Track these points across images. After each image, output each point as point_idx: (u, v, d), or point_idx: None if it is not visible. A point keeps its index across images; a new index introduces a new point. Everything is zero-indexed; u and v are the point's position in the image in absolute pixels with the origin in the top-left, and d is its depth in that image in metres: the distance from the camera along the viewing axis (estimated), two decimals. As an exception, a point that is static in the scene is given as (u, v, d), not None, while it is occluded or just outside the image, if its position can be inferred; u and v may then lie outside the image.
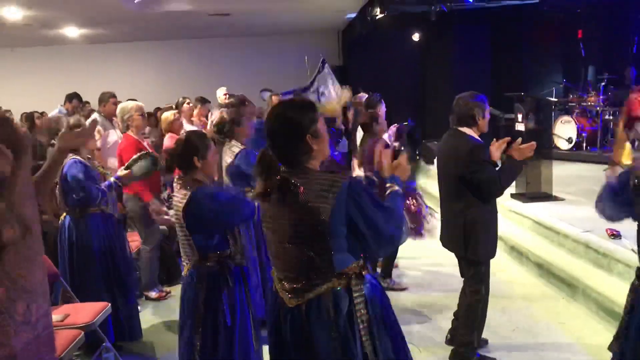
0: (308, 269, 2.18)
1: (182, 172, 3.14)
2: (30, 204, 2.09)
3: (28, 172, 2.07)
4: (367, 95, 8.78)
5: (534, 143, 3.63)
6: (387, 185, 2.43)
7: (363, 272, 2.23)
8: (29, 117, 8.72)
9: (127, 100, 7.02)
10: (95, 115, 6.37)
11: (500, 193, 3.71)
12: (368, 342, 2.17)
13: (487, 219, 3.73)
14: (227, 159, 4.34)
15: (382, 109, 5.98)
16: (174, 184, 3.20)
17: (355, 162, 5.31)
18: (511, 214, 6.67)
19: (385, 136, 5.56)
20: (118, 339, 4.21)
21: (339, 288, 2.17)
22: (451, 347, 3.93)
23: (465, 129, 3.71)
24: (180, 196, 3.03)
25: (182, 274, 3.26)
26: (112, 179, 4.36)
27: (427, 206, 4.29)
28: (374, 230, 2.15)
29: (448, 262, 4.42)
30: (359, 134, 5.91)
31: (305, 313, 2.19)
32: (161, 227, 5.69)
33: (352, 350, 2.15)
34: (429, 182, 9.21)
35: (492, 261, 3.87)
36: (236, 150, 4.32)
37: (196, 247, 3.04)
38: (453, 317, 4.10)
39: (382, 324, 2.24)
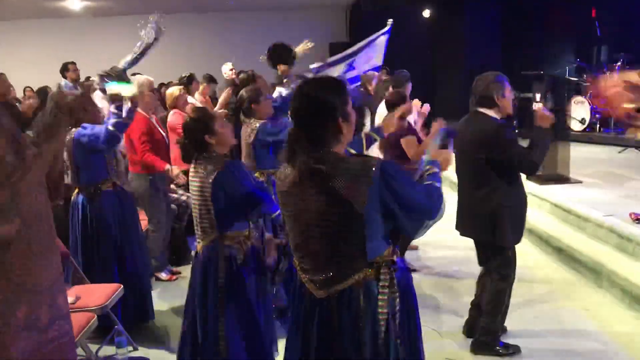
0: (337, 259, 2.05)
1: (197, 154, 3.06)
2: (36, 191, 1.88)
3: (45, 163, 1.92)
4: (375, 73, 8.60)
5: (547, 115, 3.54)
6: (427, 167, 2.29)
7: (394, 258, 2.10)
8: (42, 91, 8.51)
9: (132, 74, 6.86)
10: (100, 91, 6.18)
11: (535, 169, 3.58)
12: (396, 330, 2.06)
13: (515, 203, 3.59)
14: (248, 137, 4.22)
15: (409, 88, 5.81)
16: (190, 167, 3.09)
17: (376, 143, 5.13)
18: (528, 197, 6.49)
19: (410, 118, 5.37)
20: (129, 319, 4.09)
21: (371, 278, 2.04)
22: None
23: (485, 110, 3.56)
24: (203, 171, 2.97)
25: (196, 250, 3.18)
26: (127, 104, 3.98)
27: None
28: (411, 209, 2.03)
29: (463, 246, 4.26)
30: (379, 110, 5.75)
31: (335, 305, 2.06)
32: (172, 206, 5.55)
33: (380, 339, 2.04)
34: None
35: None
36: (255, 126, 4.20)
37: (217, 224, 2.98)
38: (470, 307, 3.97)
39: (411, 309, 2.16)
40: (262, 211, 3.09)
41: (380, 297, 2.04)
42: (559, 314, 4.30)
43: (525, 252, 5.61)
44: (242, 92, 4.47)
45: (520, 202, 3.64)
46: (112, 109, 3.93)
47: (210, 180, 2.92)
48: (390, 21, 5.16)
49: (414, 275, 4.89)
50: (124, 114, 3.92)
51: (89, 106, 3.90)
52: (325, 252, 2.05)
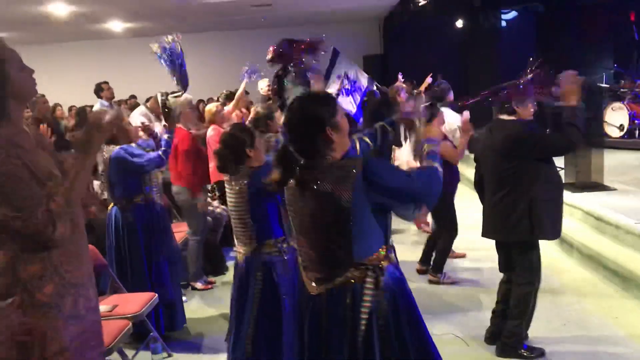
0: (328, 258, 2.20)
1: (235, 166, 3.20)
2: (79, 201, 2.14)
3: (89, 174, 2.12)
4: (404, 85, 8.66)
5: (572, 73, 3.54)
6: (424, 146, 2.40)
7: (383, 264, 2.20)
8: (81, 111, 8.91)
9: (171, 92, 7.13)
10: (142, 109, 6.49)
11: (572, 147, 3.58)
12: (381, 336, 2.15)
13: (552, 197, 3.62)
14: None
15: (450, 97, 5.83)
16: (226, 180, 3.25)
17: (405, 155, 5.21)
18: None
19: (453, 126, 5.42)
20: (158, 327, 4.25)
21: (356, 279, 2.16)
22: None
23: (505, 117, 3.67)
24: (237, 186, 3.14)
25: (236, 260, 3.34)
26: (165, 136, 4.35)
27: None
28: (399, 197, 2.16)
29: (488, 254, 4.29)
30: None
31: (324, 302, 2.21)
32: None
33: (359, 343, 2.14)
34: (468, 170, 9.05)
35: (540, 252, 3.77)
36: (272, 140, 4.35)
37: (255, 234, 3.14)
38: (492, 315, 4.00)
39: (407, 312, 2.21)
40: None
41: (364, 297, 2.15)
42: (587, 320, 4.29)
43: (555, 259, 5.59)
44: (259, 108, 4.64)
45: (556, 196, 3.68)
46: (166, 136, 4.32)
47: (247, 191, 3.10)
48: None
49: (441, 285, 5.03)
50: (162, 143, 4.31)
51: (124, 125, 4.13)
52: (318, 251, 2.22)
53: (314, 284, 2.24)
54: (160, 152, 4.26)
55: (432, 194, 2.23)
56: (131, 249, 4.24)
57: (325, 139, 2.17)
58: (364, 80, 8.06)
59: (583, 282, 5.07)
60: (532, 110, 3.68)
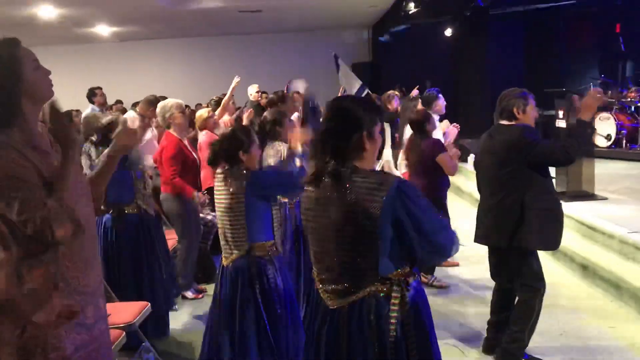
0: (351, 271, 2.10)
1: (227, 166, 3.22)
2: (85, 202, 2.07)
3: (78, 168, 2.06)
4: (397, 93, 8.67)
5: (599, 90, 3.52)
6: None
7: (409, 279, 2.14)
8: (67, 115, 8.76)
9: (160, 97, 7.06)
10: (132, 113, 6.39)
11: (569, 158, 3.53)
12: (406, 351, 2.09)
13: (546, 206, 3.59)
14: (271, 160, 4.28)
15: (440, 104, 5.88)
16: (215, 179, 3.24)
17: (401, 160, 5.20)
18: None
19: (439, 134, 5.42)
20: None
21: (381, 294, 2.09)
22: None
23: (505, 122, 3.65)
24: (231, 187, 3.13)
25: (222, 264, 3.34)
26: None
27: None
28: (423, 235, 2.05)
29: (484, 265, 4.24)
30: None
31: (346, 316, 2.12)
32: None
33: (387, 358, 2.08)
34: (461, 180, 9.07)
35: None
36: (282, 149, 4.26)
37: (247, 235, 3.14)
38: (488, 325, 3.97)
39: (422, 333, 2.16)
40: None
41: (391, 314, 2.07)
42: (584, 330, 4.28)
43: (550, 269, 5.57)
44: (266, 113, 4.57)
45: (551, 207, 3.64)
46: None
47: (244, 192, 3.09)
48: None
49: (438, 292, 4.99)
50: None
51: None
52: (341, 264, 2.12)
53: (332, 298, 2.16)
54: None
55: (448, 255, 2.16)
56: (120, 258, 4.17)
57: (359, 142, 2.09)
58: (356, 85, 8.06)
59: (578, 291, 5.07)
60: (534, 116, 3.68)
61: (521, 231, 3.54)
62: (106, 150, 2.41)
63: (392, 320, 2.07)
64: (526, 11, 11.42)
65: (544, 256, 5.63)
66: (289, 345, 3.21)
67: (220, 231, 3.32)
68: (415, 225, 2.02)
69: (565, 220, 6.13)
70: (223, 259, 3.34)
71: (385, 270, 2.08)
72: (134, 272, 4.20)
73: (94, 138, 4.31)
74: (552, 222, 3.61)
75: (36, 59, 2.05)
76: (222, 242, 3.32)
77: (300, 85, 8.01)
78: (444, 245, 2.10)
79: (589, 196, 6.80)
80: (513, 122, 3.60)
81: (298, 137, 3.52)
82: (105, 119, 4.22)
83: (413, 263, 2.16)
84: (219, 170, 3.28)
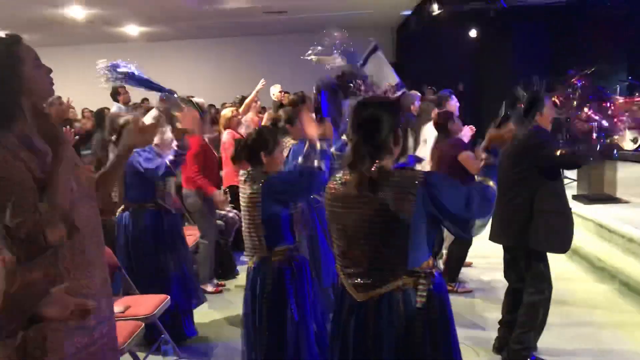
0: (380, 265, 2.17)
1: (250, 165, 3.20)
2: (87, 202, 2.05)
3: (70, 170, 2.00)
4: (415, 94, 8.70)
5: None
6: (483, 157, 2.42)
7: (433, 270, 2.21)
8: (99, 113, 8.97)
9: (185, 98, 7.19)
10: (155, 112, 6.51)
11: (574, 163, 3.63)
12: (428, 339, 2.15)
13: (555, 209, 3.62)
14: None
15: (452, 105, 5.91)
16: (240, 178, 3.25)
17: (426, 162, 5.23)
18: (573, 216, 6.44)
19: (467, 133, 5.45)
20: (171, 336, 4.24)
21: (410, 285, 2.16)
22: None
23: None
24: (249, 189, 3.09)
25: (248, 265, 3.29)
26: (174, 144, 4.24)
27: None
28: (454, 218, 2.16)
29: (499, 265, 4.25)
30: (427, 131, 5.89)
31: (373, 308, 2.18)
32: (217, 222, 5.78)
33: (418, 348, 2.14)
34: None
35: (552, 263, 3.76)
36: (289, 145, 4.32)
37: (265, 240, 3.09)
38: (499, 326, 4.00)
39: (446, 322, 2.23)
40: (318, 184, 3.09)
41: (418, 306, 2.14)
42: (598, 333, 4.27)
43: (568, 271, 5.57)
44: (281, 111, 4.64)
45: (560, 209, 3.66)
46: (174, 146, 4.22)
47: (260, 195, 3.05)
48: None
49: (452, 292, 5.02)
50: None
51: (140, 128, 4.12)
52: (369, 258, 2.18)
53: (360, 291, 2.21)
54: (167, 160, 4.18)
55: (485, 218, 2.24)
56: (139, 255, 4.23)
57: (386, 144, 2.17)
58: (390, 81, 8.03)
59: (595, 294, 5.05)
60: (550, 118, 3.69)
61: (529, 232, 3.57)
62: (115, 150, 2.35)
63: (420, 311, 2.14)
64: (551, 11, 11.30)
65: (562, 258, 5.65)
66: (311, 354, 3.15)
67: (243, 231, 3.29)
68: (444, 212, 2.13)
69: (585, 223, 6.20)
70: (247, 258, 3.31)
71: (414, 263, 2.15)
72: (154, 269, 4.25)
73: (113, 137, 4.39)
74: (560, 224, 3.62)
75: (37, 57, 2.00)
76: (245, 242, 3.28)
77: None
78: (469, 218, 2.19)
79: (611, 199, 6.75)
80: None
81: (316, 131, 3.35)
82: (122, 118, 4.29)
83: (435, 255, 2.25)
84: (242, 172, 3.27)
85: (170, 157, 4.18)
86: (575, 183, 7.43)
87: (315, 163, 3.14)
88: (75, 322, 1.91)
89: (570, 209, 3.72)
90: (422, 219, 2.11)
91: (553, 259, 3.79)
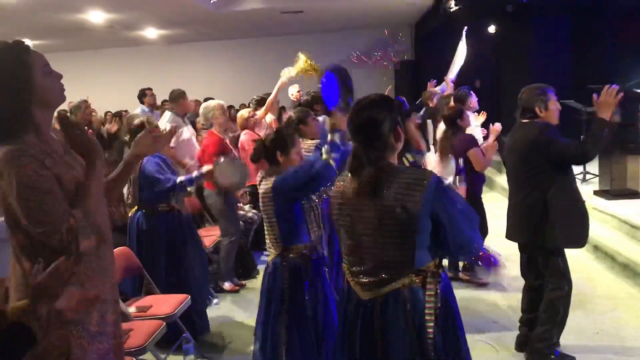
0: (388, 263, 2.18)
1: (268, 165, 3.25)
2: (103, 209, 2.08)
3: (101, 180, 2.04)
4: (438, 90, 8.67)
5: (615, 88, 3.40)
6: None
7: (440, 270, 2.22)
8: (117, 115, 9.13)
9: (205, 99, 7.27)
10: (169, 114, 6.60)
11: (584, 157, 3.51)
12: (439, 339, 2.16)
13: (568, 204, 3.56)
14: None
15: (472, 101, 5.93)
16: (257, 178, 3.29)
17: (436, 155, 5.21)
18: (595, 212, 6.37)
19: (477, 131, 5.43)
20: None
21: (416, 284, 2.16)
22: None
23: (526, 120, 3.65)
24: (263, 189, 3.15)
25: (268, 262, 3.34)
26: (195, 174, 4.37)
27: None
28: (455, 229, 2.15)
29: (517, 262, 4.22)
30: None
31: (380, 306, 2.19)
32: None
33: (425, 346, 2.15)
34: (499, 175, 9.02)
35: (574, 260, 3.73)
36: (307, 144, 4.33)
37: (281, 237, 3.14)
38: (519, 323, 3.96)
39: (452, 321, 2.24)
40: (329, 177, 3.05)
41: (427, 305, 2.15)
42: (621, 330, 4.21)
43: (590, 267, 5.51)
44: (292, 112, 4.65)
45: (575, 203, 3.61)
46: (195, 174, 4.36)
47: (272, 192, 3.10)
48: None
49: (472, 289, 5.00)
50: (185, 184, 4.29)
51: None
52: (377, 257, 2.19)
53: (365, 290, 2.23)
54: (177, 180, 4.22)
55: (476, 243, 2.24)
56: (152, 255, 4.28)
57: (387, 142, 2.20)
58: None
59: (617, 290, 4.99)
60: (556, 113, 3.64)
61: (544, 229, 3.54)
62: (125, 156, 2.35)
63: (429, 311, 2.15)
64: (573, 5, 11.15)
65: (583, 253, 5.60)
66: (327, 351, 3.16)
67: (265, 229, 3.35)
68: (450, 220, 2.13)
69: (608, 218, 6.13)
70: (269, 256, 3.35)
71: (420, 262, 2.16)
72: (167, 268, 4.30)
73: (126, 138, 4.46)
74: (575, 219, 3.58)
75: (47, 64, 1.97)
76: (266, 241, 3.34)
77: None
78: (471, 237, 2.19)
79: (634, 194, 6.65)
80: (534, 120, 3.59)
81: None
82: (136, 120, 4.36)
83: (442, 255, 2.25)
84: (260, 172, 3.32)
85: (181, 178, 4.27)
86: (597, 178, 7.34)
87: (324, 156, 3.08)
88: (95, 328, 1.95)
89: (584, 202, 3.67)
90: (427, 218, 2.11)
91: (574, 254, 3.76)
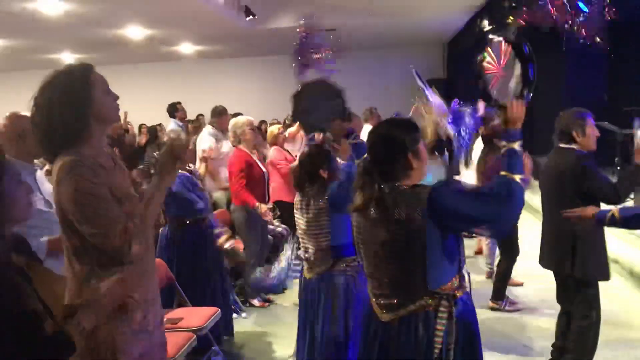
0: (401, 285, 2.19)
1: (309, 184, 3.32)
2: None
3: (164, 193, 2.22)
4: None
5: None
6: (502, 144, 2.28)
7: (457, 293, 2.19)
8: (151, 130, 9.29)
9: (234, 114, 7.39)
10: (210, 128, 6.74)
11: (617, 199, 3.42)
12: None
13: (594, 235, 3.52)
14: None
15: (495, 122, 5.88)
16: (296, 199, 3.37)
17: (472, 175, 5.20)
18: (628, 235, 6.26)
19: None
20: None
21: (430, 308, 2.15)
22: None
23: (564, 145, 3.61)
24: (318, 203, 3.22)
25: (303, 276, 3.41)
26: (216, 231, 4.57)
27: None
28: (471, 222, 2.15)
29: (548, 286, 4.17)
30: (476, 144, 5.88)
31: (396, 329, 2.19)
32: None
33: None
34: (532, 196, 8.88)
35: (608, 287, 3.66)
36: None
37: (332, 252, 3.20)
38: (552, 349, 3.90)
39: (470, 347, 2.21)
40: None
41: (437, 327, 2.13)
42: (656, 359, 4.13)
43: (624, 294, 5.40)
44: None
45: (598, 234, 3.55)
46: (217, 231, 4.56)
47: (327, 207, 3.19)
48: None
49: (502, 312, 4.94)
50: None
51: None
52: (391, 279, 2.21)
53: (384, 312, 2.23)
54: (201, 207, 4.44)
55: (507, 213, 2.13)
56: (181, 267, 4.37)
57: (405, 164, 2.20)
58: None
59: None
60: (594, 139, 3.61)
61: (574, 260, 3.50)
62: (154, 179, 2.40)
63: (439, 334, 2.13)
64: (609, 28, 11.01)
65: (619, 280, 5.49)
66: None
67: (302, 247, 3.40)
68: (457, 217, 2.10)
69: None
70: (305, 271, 3.40)
71: (434, 284, 2.14)
72: (194, 280, 4.39)
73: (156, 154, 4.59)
74: (600, 252, 3.54)
75: (107, 84, 2.18)
76: (304, 256, 3.40)
77: None
78: (489, 215, 2.11)
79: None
80: (572, 146, 3.56)
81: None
82: (167, 137, 4.52)
83: (462, 276, 2.23)
84: (299, 193, 3.39)
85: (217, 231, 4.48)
86: (631, 202, 7.20)
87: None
88: (137, 327, 2.10)
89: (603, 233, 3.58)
90: (437, 235, 2.09)
91: (610, 281, 3.69)
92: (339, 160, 4.26)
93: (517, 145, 2.24)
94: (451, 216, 2.10)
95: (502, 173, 2.17)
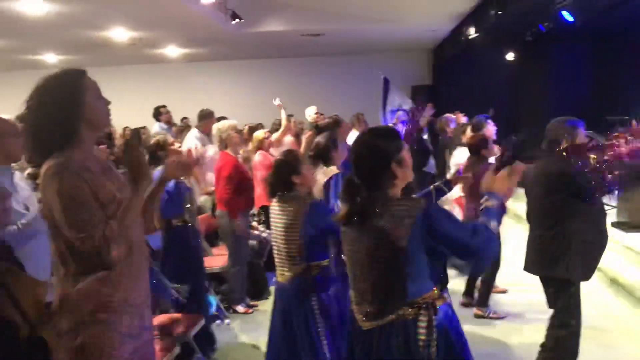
0: (381, 295, 2.20)
1: (284, 191, 3.29)
2: (139, 223, 2.25)
3: (142, 199, 2.22)
4: (453, 116, 8.68)
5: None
6: (482, 200, 2.33)
7: (436, 303, 2.20)
8: (136, 132, 9.20)
9: (220, 118, 7.35)
10: (196, 132, 6.70)
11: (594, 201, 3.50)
12: None
13: (592, 239, 3.53)
14: (321, 179, 4.36)
15: (490, 130, 5.88)
16: (272, 203, 3.34)
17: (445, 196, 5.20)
18: (611, 244, 6.29)
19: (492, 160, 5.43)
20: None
21: (410, 317, 2.16)
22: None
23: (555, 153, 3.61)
24: (290, 208, 3.21)
25: (276, 281, 3.40)
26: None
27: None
28: (457, 249, 2.16)
29: (532, 292, 4.16)
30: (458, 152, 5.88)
31: (376, 338, 2.21)
32: (250, 242, 5.83)
33: None
34: (517, 204, 8.93)
35: (590, 294, 3.67)
36: (330, 172, 4.32)
37: (306, 256, 3.19)
38: (540, 349, 3.90)
39: (451, 356, 2.21)
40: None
41: (419, 337, 2.14)
42: (638, 366, 4.15)
43: (606, 301, 5.44)
44: (319, 138, 4.64)
45: (596, 238, 3.57)
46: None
47: (301, 216, 3.17)
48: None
49: (488, 321, 4.94)
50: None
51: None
52: (372, 288, 2.22)
53: (365, 319, 2.25)
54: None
55: (487, 256, 2.24)
56: (165, 270, 4.29)
57: (389, 174, 2.20)
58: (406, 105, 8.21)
59: (636, 324, 4.91)
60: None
61: (562, 260, 3.50)
62: (157, 176, 2.54)
63: (419, 343, 2.13)
64: (593, 34, 11.14)
65: (600, 287, 5.52)
66: None
67: (275, 250, 3.39)
68: (446, 242, 2.13)
69: (626, 252, 6.05)
70: (278, 276, 3.38)
71: (414, 294, 2.15)
72: (180, 282, 4.34)
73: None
74: (593, 254, 3.55)
75: (99, 90, 2.20)
76: (276, 260, 3.38)
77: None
78: (476, 246, 2.16)
79: (652, 227, 6.57)
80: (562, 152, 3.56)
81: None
82: (155, 138, 4.50)
83: (443, 285, 2.25)
84: (275, 199, 3.36)
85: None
86: (615, 210, 7.26)
87: None
88: (125, 330, 2.12)
89: (606, 236, 3.62)
90: (421, 249, 2.11)
91: (590, 286, 3.70)
92: (325, 167, 4.26)
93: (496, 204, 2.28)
94: (440, 237, 2.12)
95: (482, 220, 2.25)
